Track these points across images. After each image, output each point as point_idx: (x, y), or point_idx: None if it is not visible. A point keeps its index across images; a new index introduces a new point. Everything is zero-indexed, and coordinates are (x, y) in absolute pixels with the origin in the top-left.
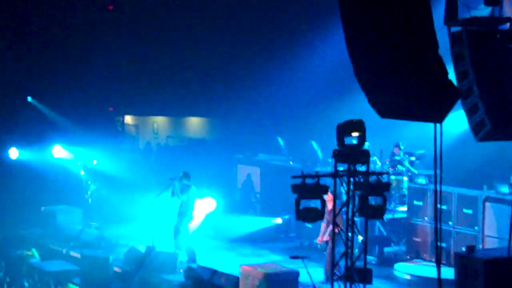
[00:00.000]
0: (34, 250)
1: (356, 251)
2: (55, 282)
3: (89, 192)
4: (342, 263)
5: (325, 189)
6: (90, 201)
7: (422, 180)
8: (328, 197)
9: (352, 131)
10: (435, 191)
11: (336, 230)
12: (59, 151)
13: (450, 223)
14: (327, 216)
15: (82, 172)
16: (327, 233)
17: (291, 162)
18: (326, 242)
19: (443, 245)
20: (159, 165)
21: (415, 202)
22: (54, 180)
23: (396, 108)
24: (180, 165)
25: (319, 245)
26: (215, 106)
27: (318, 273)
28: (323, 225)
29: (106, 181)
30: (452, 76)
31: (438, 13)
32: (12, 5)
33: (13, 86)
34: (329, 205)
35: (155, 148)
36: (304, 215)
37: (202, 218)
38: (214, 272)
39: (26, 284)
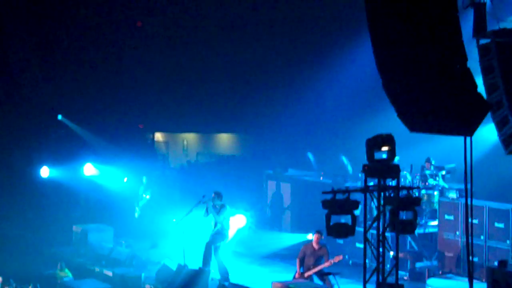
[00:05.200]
0: (67, 270)
1: (387, 266)
2: None
3: (140, 204)
4: None
5: (355, 205)
6: (137, 215)
7: (453, 194)
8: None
9: (381, 146)
10: (466, 205)
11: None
12: (90, 169)
13: (482, 237)
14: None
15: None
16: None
17: (321, 178)
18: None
19: (475, 259)
20: (189, 182)
21: (446, 217)
22: (85, 199)
23: (425, 122)
24: (210, 181)
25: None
26: (245, 122)
27: None
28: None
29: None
30: (481, 88)
31: (467, 26)
32: (42, 24)
33: (43, 104)
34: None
35: (185, 165)
36: (335, 230)
37: (233, 234)
38: None
39: None
